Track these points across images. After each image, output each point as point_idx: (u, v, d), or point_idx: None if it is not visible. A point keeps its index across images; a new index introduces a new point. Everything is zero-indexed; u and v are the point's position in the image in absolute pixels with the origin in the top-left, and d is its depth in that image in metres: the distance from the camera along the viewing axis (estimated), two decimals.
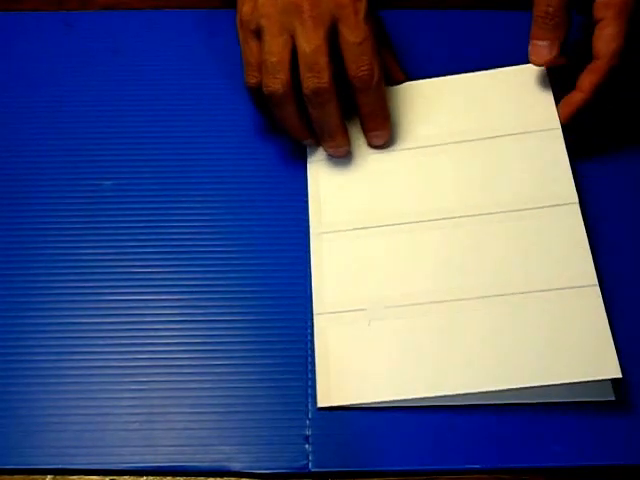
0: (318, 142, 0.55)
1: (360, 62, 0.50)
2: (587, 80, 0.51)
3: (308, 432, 0.46)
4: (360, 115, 0.54)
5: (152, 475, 0.45)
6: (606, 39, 0.50)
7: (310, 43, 0.49)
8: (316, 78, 0.49)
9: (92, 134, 0.57)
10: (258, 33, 0.51)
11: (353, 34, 0.50)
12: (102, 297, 0.51)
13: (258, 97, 0.53)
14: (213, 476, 0.46)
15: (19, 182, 0.54)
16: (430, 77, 0.57)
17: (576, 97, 0.52)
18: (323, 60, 0.49)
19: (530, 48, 0.53)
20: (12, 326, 0.50)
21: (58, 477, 0.45)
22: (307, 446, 0.46)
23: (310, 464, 0.45)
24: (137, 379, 0.48)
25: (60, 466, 0.45)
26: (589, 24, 0.51)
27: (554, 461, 0.46)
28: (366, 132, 0.55)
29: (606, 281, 0.50)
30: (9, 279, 0.51)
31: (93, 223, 0.53)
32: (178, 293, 0.51)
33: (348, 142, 0.54)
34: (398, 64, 0.58)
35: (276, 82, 0.50)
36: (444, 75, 0.57)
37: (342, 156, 0.54)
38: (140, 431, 0.46)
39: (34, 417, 0.47)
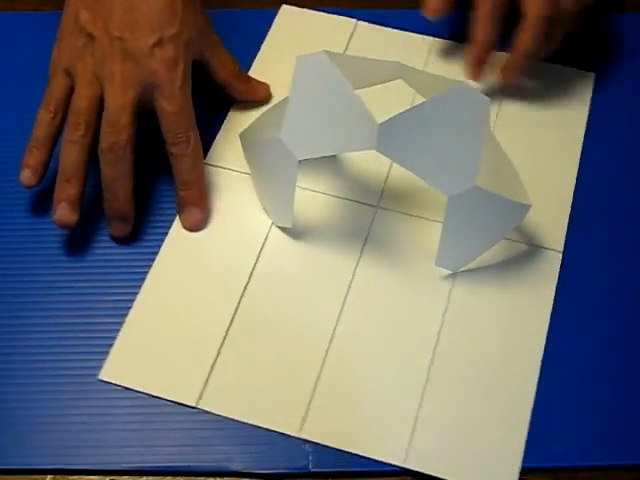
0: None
1: (176, 130, 0.51)
2: (519, 41, 0.54)
3: None
4: (175, 188, 0.53)
5: (152, 475, 0.45)
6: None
7: (116, 101, 0.49)
8: (114, 134, 0.49)
9: None
10: (70, 74, 0.51)
11: (169, 103, 0.50)
12: (101, 297, 0.51)
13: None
14: (213, 476, 0.45)
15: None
16: None
17: (513, 59, 0.56)
18: (125, 119, 0.49)
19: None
20: (12, 326, 0.50)
21: (58, 477, 0.45)
22: (307, 446, 0.46)
23: (310, 464, 0.45)
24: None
25: (60, 466, 0.45)
26: None
27: (554, 461, 0.46)
28: (180, 207, 0.53)
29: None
30: (9, 279, 0.51)
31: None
32: None
33: (131, 225, 0.52)
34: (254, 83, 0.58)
35: (80, 128, 0.50)
36: None
37: (124, 235, 0.52)
38: (140, 431, 0.46)
39: (33, 417, 0.46)
